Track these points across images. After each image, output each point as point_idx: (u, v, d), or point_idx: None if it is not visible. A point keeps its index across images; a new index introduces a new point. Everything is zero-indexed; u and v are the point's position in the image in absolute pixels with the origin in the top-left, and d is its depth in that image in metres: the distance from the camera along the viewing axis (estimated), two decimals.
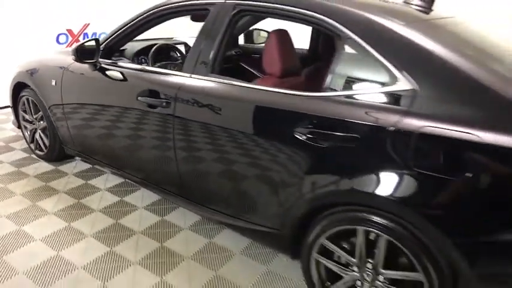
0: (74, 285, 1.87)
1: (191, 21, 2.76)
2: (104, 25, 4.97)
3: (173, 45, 2.93)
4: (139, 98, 2.08)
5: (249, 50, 3.33)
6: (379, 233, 1.44)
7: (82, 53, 2.29)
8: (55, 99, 2.70)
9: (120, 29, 2.37)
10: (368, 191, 1.41)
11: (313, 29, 2.81)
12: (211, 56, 1.90)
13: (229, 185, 1.89)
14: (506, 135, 1.19)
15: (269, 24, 2.06)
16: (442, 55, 1.41)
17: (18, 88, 3.08)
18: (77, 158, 3.12)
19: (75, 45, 2.33)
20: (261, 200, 1.80)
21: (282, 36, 2.00)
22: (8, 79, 3.14)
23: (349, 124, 1.45)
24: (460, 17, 2.05)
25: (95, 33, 5.04)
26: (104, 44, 2.43)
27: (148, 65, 2.60)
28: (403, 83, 1.40)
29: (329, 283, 1.68)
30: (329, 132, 1.49)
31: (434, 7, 1.93)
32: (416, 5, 1.93)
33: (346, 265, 1.61)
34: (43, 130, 3.02)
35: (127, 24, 2.33)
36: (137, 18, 2.27)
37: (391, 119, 1.37)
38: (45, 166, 3.09)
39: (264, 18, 2.77)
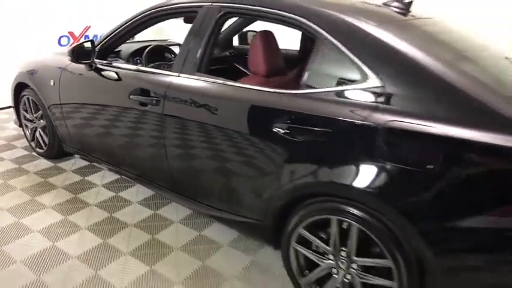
0: (68, 273, 1.97)
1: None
2: (105, 27, 5.08)
3: (167, 46, 3.04)
4: (131, 96, 2.18)
5: (243, 51, 3.43)
6: (351, 222, 1.53)
7: (78, 54, 2.40)
8: (53, 99, 2.81)
9: (115, 31, 2.48)
10: (339, 182, 1.50)
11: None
12: (198, 55, 2.00)
13: (215, 179, 1.99)
14: (466, 128, 1.27)
15: (266, 27, 2.15)
16: (409, 54, 1.49)
17: (19, 88, 3.20)
18: (76, 155, 3.23)
19: (71, 46, 2.44)
20: (244, 193, 1.89)
21: (267, 37, 2.10)
22: (11, 80, 3.27)
23: (323, 119, 1.54)
24: (439, 17, 2.13)
25: (96, 36, 5.17)
26: (100, 45, 2.54)
27: (142, 65, 2.71)
28: (373, 81, 1.48)
29: (307, 271, 1.76)
30: (305, 127, 1.58)
31: (412, 8, 2.01)
32: (394, 7, 2.01)
33: (323, 254, 1.69)
34: (43, 128, 3.14)
35: (121, 26, 2.44)
36: (130, 20, 2.38)
37: (361, 114, 1.45)
38: (44, 163, 3.20)
39: (249, 19, 2.86)
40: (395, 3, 2.00)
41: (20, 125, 3.41)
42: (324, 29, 1.63)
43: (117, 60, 2.69)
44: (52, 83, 2.78)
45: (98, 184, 2.88)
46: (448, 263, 1.38)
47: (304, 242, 1.72)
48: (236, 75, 2.58)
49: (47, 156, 3.24)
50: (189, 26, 2.12)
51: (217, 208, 2.07)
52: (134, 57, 2.90)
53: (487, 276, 1.35)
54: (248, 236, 2.22)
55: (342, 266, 1.63)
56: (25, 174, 3.02)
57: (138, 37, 4.28)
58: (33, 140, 3.31)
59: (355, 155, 1.47)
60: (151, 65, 2.79)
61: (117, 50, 2.85)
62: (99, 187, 2.84)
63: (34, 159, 3.28)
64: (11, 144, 3.62)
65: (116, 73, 2.35)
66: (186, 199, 2.22)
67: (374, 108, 1.45)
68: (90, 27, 5.17)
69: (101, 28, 5.17)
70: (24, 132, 3.40)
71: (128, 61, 2.85)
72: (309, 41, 2.90)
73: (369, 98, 1.48)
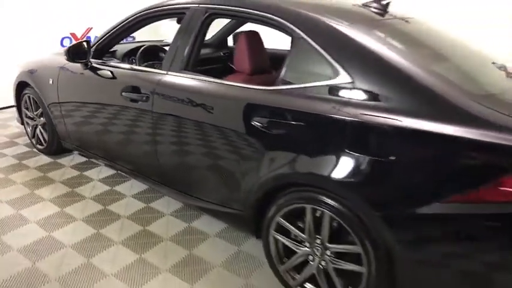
0: (62, 261, 2.08)
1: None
2: (106, 29, 5.23)
3: (161, 46, 3.15)
4: (123, 93, 2.29)
5: None
6: (324, 210, 1.62)
7: (73, 54, 2.52)
8: (52, 97, 2.93)
9: (109, 32, 2.60)
10: (312, 172, 1.59)
11: None
12: (185, 54, 2.10)
13: (200, 171, 2.09)
14: (427, 121, 1.36)
15: (260, 27, 2.22)
16: (377, 52, 1.58)
17: (20, 87, 3.34)
18: (75, 152, 3.35)
19: (67, 46, 2.56)
20: (227, 184, 1.98)
21: (252, 37, 2.20)
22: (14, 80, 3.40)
23: (296, 113, 1.63)
24: (419, 17, 2.21)
25: (97, 37, 5.29)
26: (95, 45, 2.66)
27: (135, 65, 2.82)
28: (344, 77, 1.58)
29: (286, 258, 1.85)
30: (280, 121, 1.68)
31: (389, 8, 2.10)
32: (373, 7, 2.10)
33: (299, 241, 1.78)
34: (43, 126, 3.27)
35: (115, 27, 2.56)
36: (124, 21, 2.50)
37: (331, 108, 1.55)
38: (44, 159, 3.33)
39: (242, 21, 2.96)
40: (374, 4, 2.09)
41: (22, 123, 3.54)
42: (299, 28, 1.73)
43: (112, 59, 2.81)
44: (51, 82, 2.91)
45: (94, 179, 3.00)
46: (411, 248, 1.46)
47: (283, 231, 1.81)
48: (230, 74, 2.68)
49: (47, 152, 3.37)
50: None
51: (204, 200, 2.17)
52: (129, 57, 3.01)
53: (449, 262, 1.42)
54: (233, 226, 2.31)
55: (317, 253, 1.72)
56: (25, 169, 3.14)
57: (138, 38, 4.46)
58: (33, 137, 3.43)
59: (325, 147, 1.57)
60: (145, 64, 2.90)
61: (112, 50, 2.97)
62: (95, 181, 2.95)
63: (35, 155, 3.41)
64: (13, 141, 3.76)
65: (110, 72, 2.46)
66: (175, 191, 2.32)
67: (343, 103, 1.54)
68: (91, 28, 5.30)
69: (102, 29, 5.30)
70: (26, 130, 3.53)
71: (122, 61, 2.96)
72: None
73: (340, 93, 1.57)
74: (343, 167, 1.51)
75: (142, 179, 2.58)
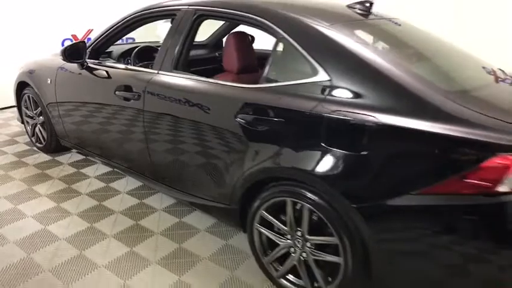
0: (55, 253, 2.16)
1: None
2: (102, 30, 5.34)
3: (156, 47, 3.23)
4: (116, 92, 2.37)
5: None
6: (303, 203, 1.68)
7: (69, 54, 2.60)
8: (50, 96, 3.02)
9: (105, 33, 2.68)
10: (292, 167, 1.66)
11: None
12: (175, 54, 2.18)
13: (189, 167, 2.16)
14: (398, 117, 1.42)
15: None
16: (354, 51, 1.64)
17: (20, 87, 3.44)
18: (73, 150, 3.44)
19: (63, 47, 2.65)
20: (215, 179, 2.05)
21: (240, 38, 2.28)
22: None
23: (278, 110, 1.70)
24: (403, 18, 2.28)
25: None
26: (92, 46, 2.75)
27: (130, 65, 2.90)
28: (322, 75, 1.64)
29: (270, 251, 1.92)
30: (263, 117, 1.74)
31: (373, 9, 2.16)
32: (357, 8, 2.16)
33: (282, 234, 1.85)
34: (42, 124, 3.36)
35: (110, 29, 2.64)
36: (119, 23, 2.58)
37: (310, 105, 1.61)
38: (43, 157, 3.42)
39: (223, 21, 3.05)
40: (358, 5, 2.16)
41: (22, 122, 3.64)
42: (281, 29, 1.80)
43: (108, 60, 2.89)
44: (49, 82, 3.00)
45: (90, 176, 3.08)
46: (384, 239, 1.51)
47: (266, 224, 1.88)
48: None
49: (45, 150, 3.46)
50: None
51: (194, 195, 2.24)
52: (124, 57, 3.09)
53: (420, 252, 1.48)
54: (221, 220, 2.38)
55: (298, 245, 1.78)
56: (24, 166, 3.24)
57: (138, 39, 4.55)
58: (33, 135, 3.53)
59: (305, 143, 1.63)
60: (140, 64, 2.98)
61: (109, 50, 3.06)
62: (91, 178, 3.04)
63: (34, 153, 3.51)
64: (14, 139, 3.86)
65: (105, 71, 2.55)
66: (167, 187, 2.40)
67: (321, 100, 1.60)
68: (92, 30, 5.40)
69: None
70: (26, 128, 3.63)
71: (118, 61, 3.05)
72: None
73: (318, 91, 1.64)
74: (321, 161, 1.57)
75: (136, 176, 2.65)
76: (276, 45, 1.84)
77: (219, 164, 1.98)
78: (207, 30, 3.58)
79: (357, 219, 1.53)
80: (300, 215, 1.73)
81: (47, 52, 3.54)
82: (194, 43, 3.51)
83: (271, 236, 1.87)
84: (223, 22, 3.41)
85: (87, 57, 2.68)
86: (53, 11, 5.00)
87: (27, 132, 3.64)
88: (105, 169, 3.18)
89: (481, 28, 4.07)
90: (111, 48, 3.05)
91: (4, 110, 4.92)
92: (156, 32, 4.28)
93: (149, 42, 3.49)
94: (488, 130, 1.31)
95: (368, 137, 1.50)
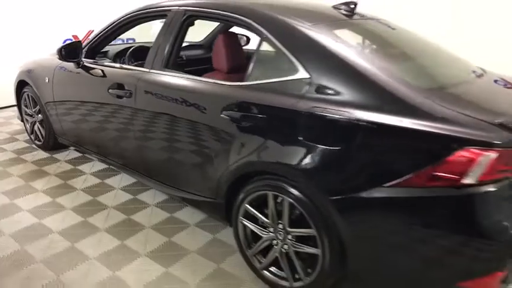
0: (48, 245, 2.23)
1: None
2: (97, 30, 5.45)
3: (150, 47, 3.30)
4: (109, 90, 2.45)
5: None
6: (283, 196, 1.74)
7: (65, 53, 2.68)
8: (48, 94, 3.11)
9: (100, 33, 2.76)
10: (273, 161, 1.72)
11: None
12: (165, 53, 2.25)
13: (179, 162, 2.22)
14: (370, 112, 1.48)
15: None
16: (333, 50, 1.70)
17: (20, 86, 3.53)
18: (71, 147, 3.52)
19: (59, 46, 2.74)
20: (202, 174, 2.11)
21: (229, 38, 2.34)
22: None
23: (260, 106, 1.76)
24: (403, 18, 2.33)
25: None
26: (88, 46, 2.83)
27: (125, 64, 2.97)
28: (302, 73, 1.71)
29: (254, 244, 1.98)
30: (246, 113, 1.81)
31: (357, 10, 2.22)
32: (342, 9, 2.22)
33: (265, 227, 1.90)
34: (40, 122, 3.44)
35: (105, 29, 2.72)
36: (113, 23, 2.66)
37: (290, 102, 1.68)
38: (42, 154, 3.51)
39: (212, 21, 3.11)
40: (343, 6, 2.22)
41: (22, 120, 3.73)
42: (265, 28, 1.86)
43: (104, 59, 2.97)
44: (47, 80, 3.08)
45: (86, 172, 3.16)
46: (357, 230, 1.57)
47: (250, 217, 1.94)
48: None
49: (44, 147, 3.55)
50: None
51: (184, 190, 2.30)
52: (120, 57, 3.17)
53: (392, 242, 1.53)
54: (208, 214, 2.44)
55: (280, 237, 1.84)
56: (23, 163, 3.32)
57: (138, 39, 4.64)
58: (32, 133, 3.62)
59: (285, 138, 1.70)
60: (135, 63, 3.05)
61: (106, 50, 3.14)
62: (87, 175, 3.12)
63: (33, 150, 3.59)
64: (14, 137, 3.95)
65: (100, 70, 2.62)
66: (158, 183, 2.46)
67: (301, 97, 1.67)
68: (93, 31, 5.50)
69: None
70: (25, 126, 3.72)
71: (114, 60, 3.12)
72: None
73: (298, 88, 1.70)
74: (300, 156, 1.63)
75: (130, 172, 2.72)
76: (259, 44, 1.91)
77: (206, 159, 2.04)
78: (207, 31, 3.67)
79: (333, 211, 1.58)
80: (282, 208, 1.79)
81: (47, 52, 3.64)
82: (191, 44, 3.62)
83: (254, 229, 1.93)
84: (218, 23, 3.48)
85: (83, 56, 2.76)
86: (55, 12, 5.11)
87: (26, 130, 3.73)
88: (101, 166, 3.26)
89: (479, 28, 4.10)
90: (107, 48, 3.13)
91: (6, 109, 5.02)
92: (151, 32, 4.36)
93: (148, 42, 3.57)
94: (455, 125, 1.37)
95: (343, 132, 1.55)
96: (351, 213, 1.56)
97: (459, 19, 4.37)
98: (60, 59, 2.72)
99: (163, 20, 2.73)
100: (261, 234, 1.91)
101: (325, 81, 1.65)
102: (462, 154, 1.33)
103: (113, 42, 3.18)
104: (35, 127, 3.53)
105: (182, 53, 3.27)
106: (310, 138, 1.61)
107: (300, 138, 1.63)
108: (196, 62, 3.17)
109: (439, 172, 1.36)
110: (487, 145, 1.32)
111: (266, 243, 1.91)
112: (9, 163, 3.31)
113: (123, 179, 3.04)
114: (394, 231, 1.50)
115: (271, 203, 1.81)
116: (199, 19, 2.25)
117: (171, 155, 2.24)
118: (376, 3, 4.38)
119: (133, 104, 2.32)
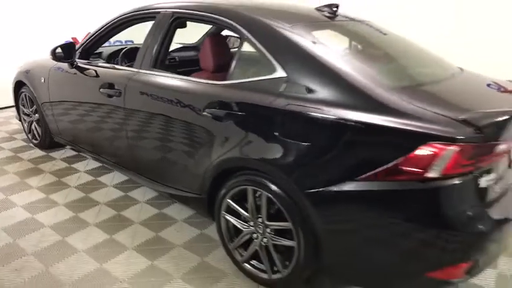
0: (40, 239, 2.31)
1: None
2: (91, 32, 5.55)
3: None
4: (100, 89, 2.53)
5: None
6: (262, 191, 1.80)
7: (59, 54, 2.77)
8: (44, 94, 3.20)
9: (94, 35, 2.84)
10: (251, 157, 1.79)
11: None
12: (154, 53, 2.33)
13: (166, 159, 2.29)
14: (342, 110, 1.55)
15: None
16: (309, 50, 1.77)
17: (18, 86, 3.62)
18: (67, 146, 3.60)
19: (52, 47, 2.82)
20: (188, 170, 2.18)
21: (215, 39, 2.42)
22: None
23: (240, 104, 1.83)
24: (403, 19, 2.38)
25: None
26: (82, 47, 2.91)
27: (117, 64, 3.05)
28: (279, 72, 1.77)
29: (235, 237, 2.04)
30: (227, 111, 1.88)
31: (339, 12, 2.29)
32: (325, 11, 2.29)
33: (245, 221, 1.97)
34: (37, 122, 3.53)
35: (98, 31, 2.80)
36: (106, 25, 2.74)
37: (268, 100, 1.75)
38: (38, 152, 3.59)
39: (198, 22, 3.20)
40: (326, 8, 2.29)
41: (20, 119, 3.82)
42: (245, 29, 1.93)
43: (97, 60, 3.06)
44: (43, 81, 3.17)
45: (81, 170, 3.24)
46: (330, 222, 1.63)
47: (232, 212, 2.00)
48: None
49: (41, 146, 3.63)
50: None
51: (171, 186, 2.37)
52: (113, 58, 3.25)
53: (364, 234, 1.59)
54: (194, 209, 2.50)
55: (259, 231, 1.90)
56: (19, 161, 3.41)
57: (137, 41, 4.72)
58: (29, 132, 3.71)
59: (263, 135, 1.76)
60: (128, 64, 3.13)
61: (99, 51, 3.22)
62: (81, 173, 3.20)
63: (30, 149, 3.68)
64: (12, 136, 4.05)
65: (93, 70, 2.70)
66: (149, 180, 2.53)
67: (278, 95, 1.73)
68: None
69: None
70: (23, 126, 3.81)
71: (107, 61, 3.20)
72: None
73: (275, 87, 1.77)
74: (277, 151, 1.69)
75: (122, 170, 2.79)
76: (241, 44, 1.98)
77: (191, 156, 2.11)
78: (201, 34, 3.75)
79: (307, 204, 1.64)
80: (260, 203, 1.86)
81: (47, 53, 3.73)
82: (184, 46, 3.70)
83: (236, 223, 1.99)
84: (211, 26, 3.55)
85: (77, 57, 2.84)
86: (55, 14, 5.23)
87: (24, 129, 3.82)
88: (95, 164, 3.34)
89: (482, 28, 4.14)
90: (101, 50, 3.21)
91: (6, 109, 5.13)
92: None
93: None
94: (420, 121, 1.43)
95: (316, 128, 1.62)
96: (324, 206, 1.62)
97: (462, 19, 4.41)
98: (53, 59, 2.80)
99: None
100: (241, 228, 1.98)
101: (300, 80, 1.72)
102: (426, 148, 1.39)
103: (112, 44, 3.27)
104: (32, 126, 3.62)
105: (175, 54, 3.35)
106: (286, 135, 1.68)
107: (277, 134, 1.70)
108: (188, 63, 3.24)
109: (404, 166, 1.42)
110: (450, 140, 1.38)
111: (247, 237, 1.97)
112: (6, 161, 3.40)
113: (115, 177, 3.11)
114: (366, 225, 1.56)
115: (250, 197, 1.88)
116: (187, 21, 2.33)
117: (159, 152, 2.31)
118: (379, 3, 4.47)
119: (123, 103, 2.39)
